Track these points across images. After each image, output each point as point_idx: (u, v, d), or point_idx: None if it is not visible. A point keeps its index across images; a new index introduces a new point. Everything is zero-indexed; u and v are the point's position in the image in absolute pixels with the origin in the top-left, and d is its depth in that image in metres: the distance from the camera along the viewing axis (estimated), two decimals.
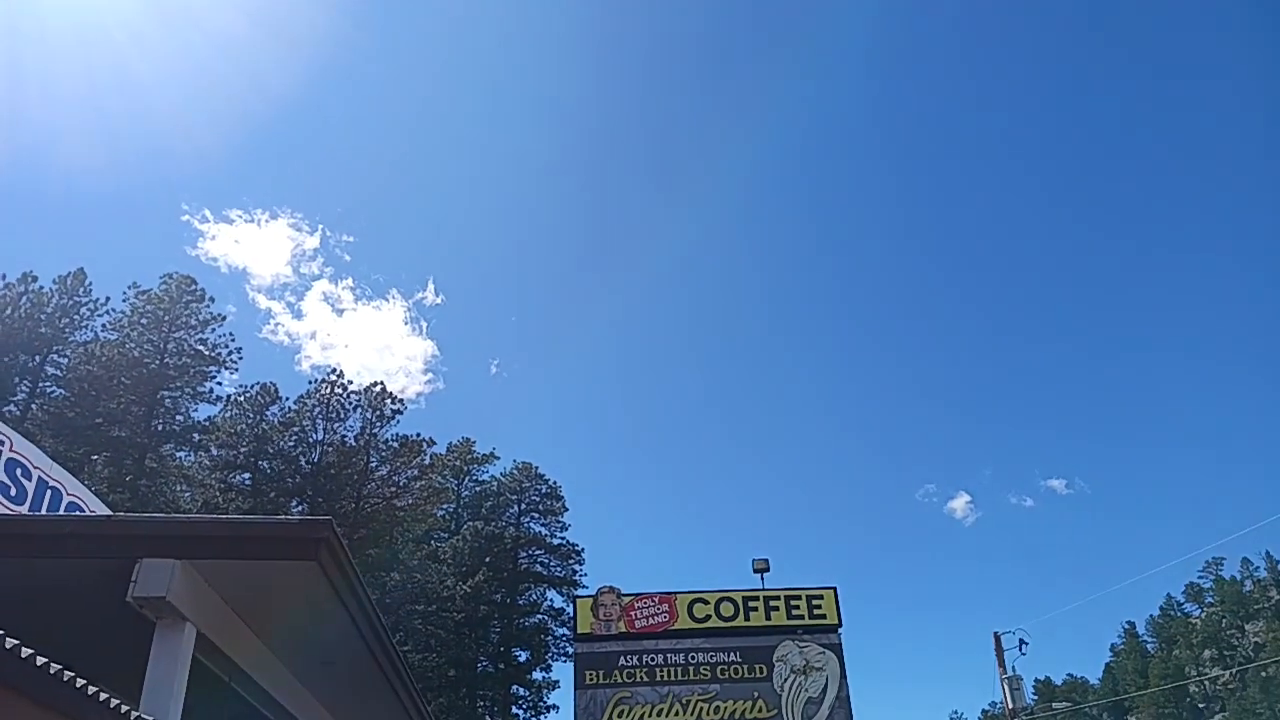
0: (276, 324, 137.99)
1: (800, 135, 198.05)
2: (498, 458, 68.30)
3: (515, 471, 66.01)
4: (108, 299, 47.97)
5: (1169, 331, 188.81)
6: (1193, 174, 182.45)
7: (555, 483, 65.80)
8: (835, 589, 24.52)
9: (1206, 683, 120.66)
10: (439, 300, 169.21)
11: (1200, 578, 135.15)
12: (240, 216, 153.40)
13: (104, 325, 47.50)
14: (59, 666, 5.47)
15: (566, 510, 65.13)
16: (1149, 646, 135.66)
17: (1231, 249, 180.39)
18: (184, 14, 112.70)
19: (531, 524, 64.88)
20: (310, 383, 67.44)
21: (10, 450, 13.26)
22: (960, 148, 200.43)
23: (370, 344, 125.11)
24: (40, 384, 45.37)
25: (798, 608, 24.23)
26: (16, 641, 5.01)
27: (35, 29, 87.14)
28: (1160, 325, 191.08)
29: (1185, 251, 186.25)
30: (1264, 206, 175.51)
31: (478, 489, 67.68)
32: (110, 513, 15.35)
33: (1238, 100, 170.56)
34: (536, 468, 65.80)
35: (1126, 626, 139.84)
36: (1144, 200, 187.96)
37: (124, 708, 5.98)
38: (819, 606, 24.23)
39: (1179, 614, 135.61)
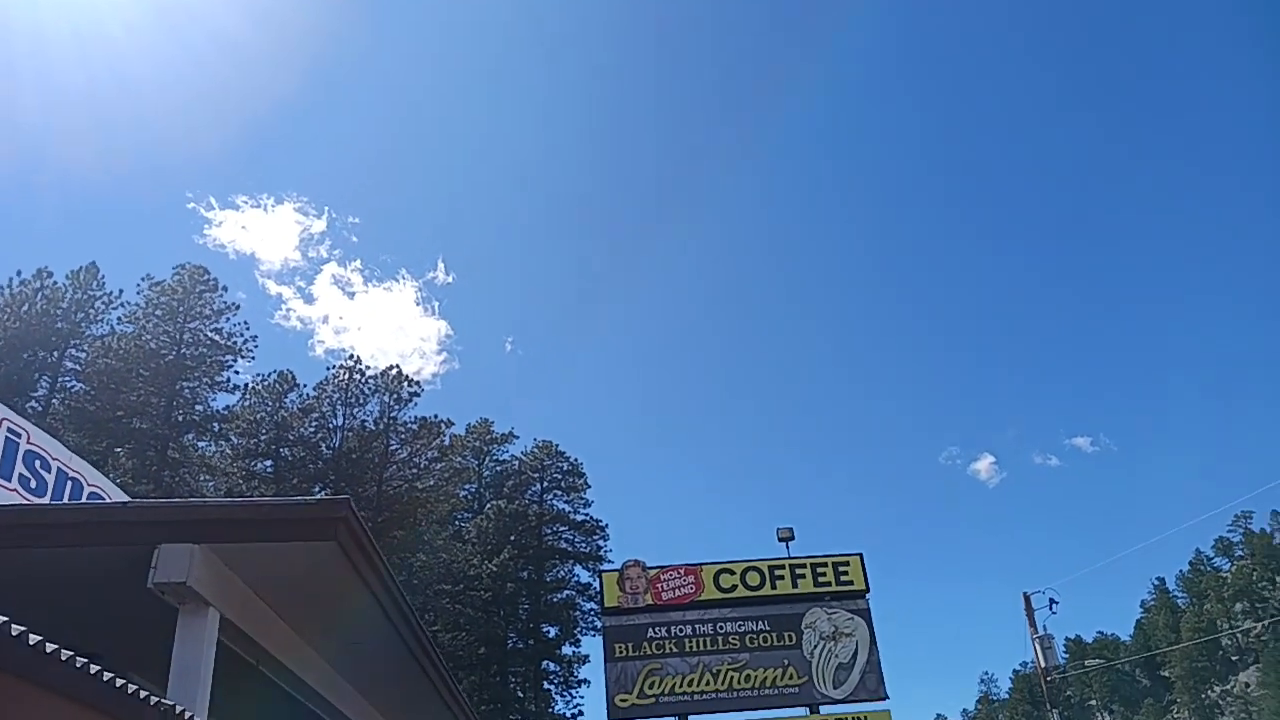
0: (288, 309, 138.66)
1: (822, 97, 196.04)
2: (517, 437, 68.49)
3: (536, 450, 66.13)
4: (121, 292, 48.12)
5: (1192, 287, 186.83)
6: (1208, 124, 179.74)
7: (576, 459, 65.99)
8: (861, 555, 24.31)
9: (1239, 635, 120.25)
10: (449, 279, 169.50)
11: (1229, 531, 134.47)
12: (246, 202, 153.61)
13: (119, 318, 47.69)
14: (82, 659, 5.34)
15: (589, 486, 65.33)
16: (1179, 601, 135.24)
17: (1256, 199, 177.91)
18: (184, 10, 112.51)
19: (554, 501, 65.07)
20: (328, 368, 67.67)
21: (28, 442, 13.19)
22: (978, 106, 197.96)
23: (383, 326, 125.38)
24: (60, 379, 45.60)
25: (824, 575, 24.05)
26: (40, 637, 4.86)
27: (32, 28, 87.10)
28: (1182, 281, 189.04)
29: (1206, 204, 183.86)
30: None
31: (499, 468, 67.86)
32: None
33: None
34: (557, 445, 65.97)
35: (1156, 582, 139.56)
36: (1164, 152, 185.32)
37: (151, 697, 5.85)
38: (845, 573, 24.05)
39: (1209, 568, 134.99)
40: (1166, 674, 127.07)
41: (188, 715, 6.18)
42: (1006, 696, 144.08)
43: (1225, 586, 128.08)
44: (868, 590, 23.91)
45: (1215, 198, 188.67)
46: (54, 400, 44.55)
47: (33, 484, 13.12)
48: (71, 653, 5.70)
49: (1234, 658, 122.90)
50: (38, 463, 13.26)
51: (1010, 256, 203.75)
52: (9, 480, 12.77)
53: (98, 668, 5.51)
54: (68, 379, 45.86)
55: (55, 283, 46.25)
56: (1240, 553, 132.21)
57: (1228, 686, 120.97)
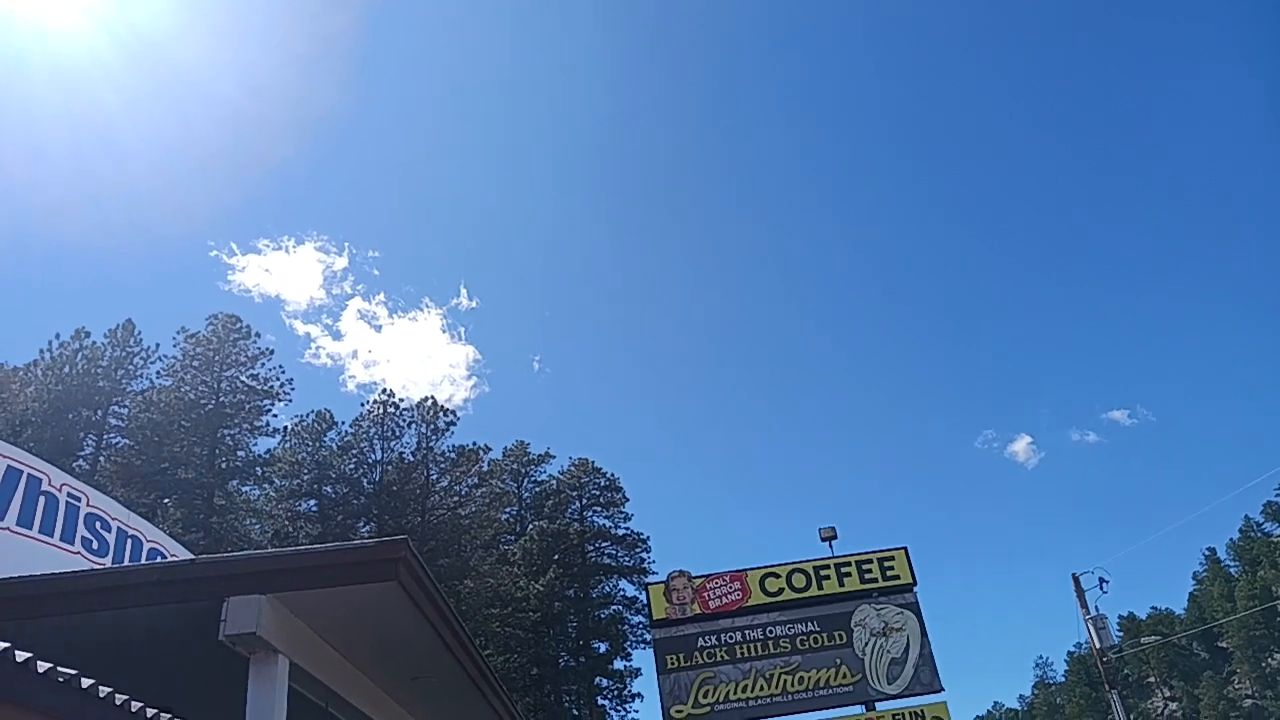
0: (317, 347, 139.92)
1: (827, 90, 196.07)
2: (554, 456, 68.85)
3: (573, 468, 66.48)
4: (158, 346, 49.12)
5: (1217, 253, 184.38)
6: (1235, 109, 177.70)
7: (613, 475, 66.27)
8: (906, 549, 24.37)
9: None
10: (473, 304, 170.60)
11: (1278, 496, 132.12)
12: (268, 245, 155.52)
13: (158, 372, 48.66)
14: (166, 714, 5.68)
15: (627, 500, 65.55)
16: (1232, 570, 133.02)
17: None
18: (176, 74, 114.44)
19: (595, 518, 65.38)
20: (362, 404, 68.42)
21: (88, 505, 13.69)
22: (995, 94, 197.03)
23: (412, 356, 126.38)
24: (105, 436, 46.58)
25: (870, 571, 24.11)
26: (126, 697, 5.21)
27: (23, 88, 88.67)
28: (1206, 246, 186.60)
29: (1236, 180, 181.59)
30: None
31: (538, 489, 68.26)
32: (190, 555, 15.79)
33: None
34: (593, 462, 66.28)
35: (1207, 553, 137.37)
36: (1190, 139, 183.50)
37: None
38: (891, 568, 24.09)
39: (1259, 534, 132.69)
40: (1224, 645, 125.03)
41: None
42: (1063, 680, 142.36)
43: (1278, 551, 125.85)
44: (915, 583, 23.95)
45: (1241, 174, 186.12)
46: (100, 458, 45.50)
47: (95, 545, 13.62)
48: (142, 703, 6.04)
49: None
50: (98, 524, 13.76)
51: (1029, 235, 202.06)
52: (72, 544, 13.27)
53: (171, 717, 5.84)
54: (112, 436, 46.84)
55: (94, 342, 47.30)
56: None
57: None
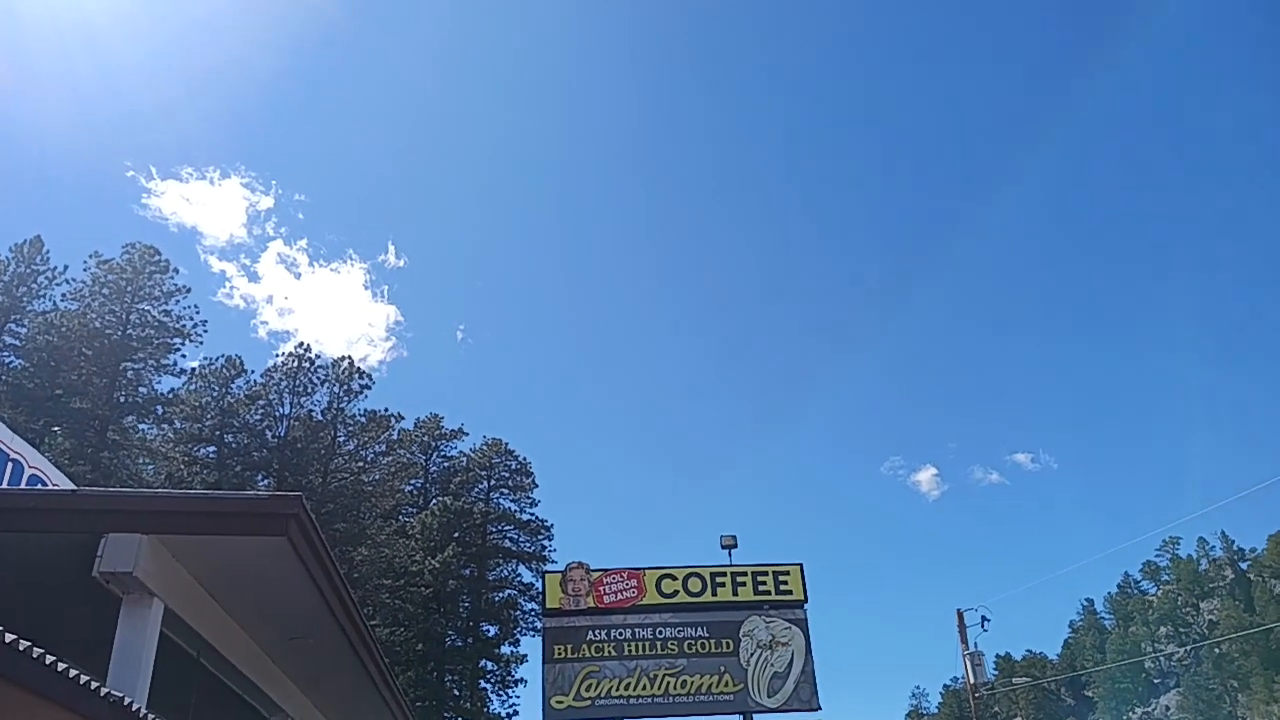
0: (231, 287, 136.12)
1: (776, 116, 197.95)
2: (466, 433, 68.10)
3: (485, 447, 65.90)
4: (66, 268, 47.13)
5: (1132, 312, 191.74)
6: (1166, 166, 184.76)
7: (525, 459, 65.87)
8: (801, 565, 24.73)
9: (1162, 659, 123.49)
10: (400, 263, 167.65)
11: (1157, 556, 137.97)
12: (191, 174, 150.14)
13: (63, 295, 46.68)
14: (24, 641, 5.39)
15: (536, 486, 65.25)
16: (1106, 623, 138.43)
17: (1195, 244, 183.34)
18: None
19: (501, 499, 64.91)
20: (273, 353, 66.65)
21: None
22: (933, 139, 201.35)
23: (330, 308, 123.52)
24: None
25: (764, 583, 24.42)
26: None
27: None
28: (1123, 307, 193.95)
29: (1148, 247, 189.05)
30: (1230, 203, 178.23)
31: (446, 464, 67.46)
32: (74, 486, 15.17)
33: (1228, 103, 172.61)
34: (506, 444, 65.81)
35: (1085, 603, 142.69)
36: (1109, 199, 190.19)
37: (91, 683, 5.91)
38: (785, 582, 24.44)
39: (1136, 591, 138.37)
40: (1090, 694, 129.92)
41: (132, 705, 6.25)
42: (936, 711, 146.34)
43: (1151, 610, 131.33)
44: (806, 600, 24.33)
45: (1152, 242, 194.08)
46: None
47: None
48: (15, 637, 5.74)
49: (1156, 680, 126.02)
50: None
51: (960, 289, 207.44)
52: None
53: (40, 651, 5.57)
54: (6, 354, 44.81)
55: None
56: (1167, 577, 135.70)
57: (1149, 709, 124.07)
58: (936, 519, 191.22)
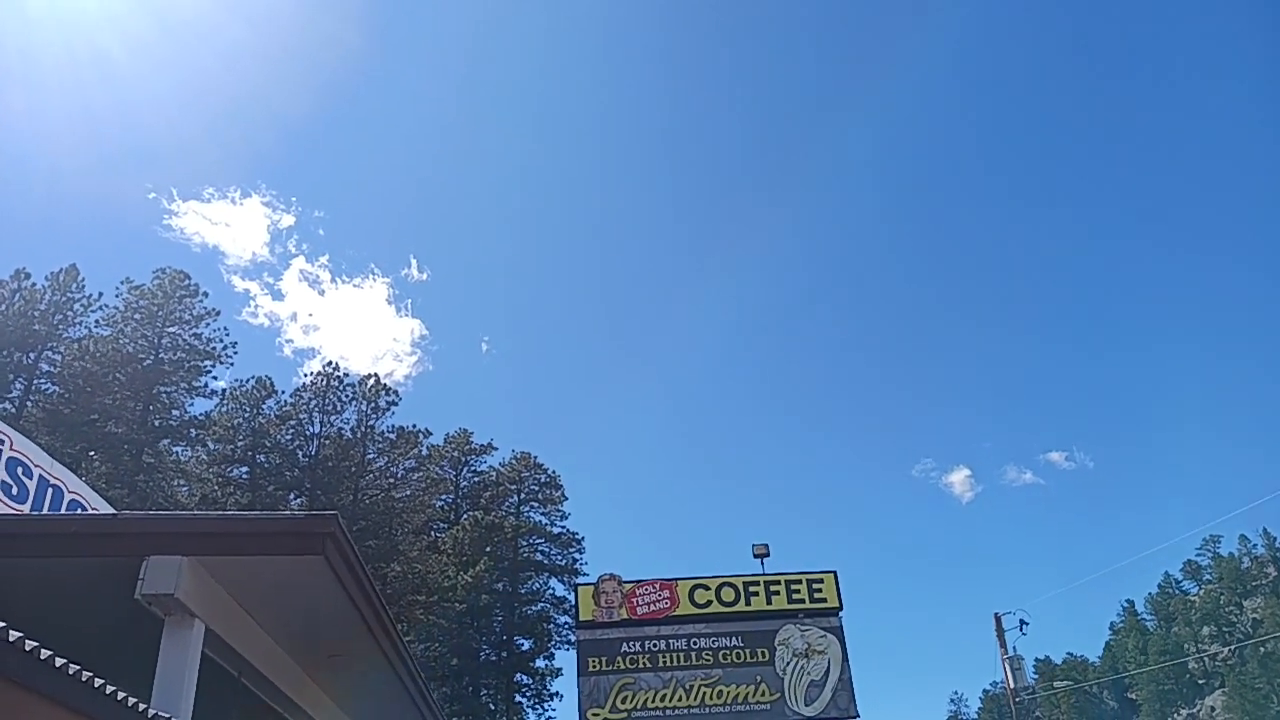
0: (256, 306, 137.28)
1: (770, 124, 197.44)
2: (496, 448, 68.27)
3: (514, 461, 66.06)
4: (100, 294, 47.79)
5: (1171, 311, 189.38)
6: (1191, 154, 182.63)
7: (554, 472, 65.96)
8: (835, 573, 24.60)
9: (1205, 659, 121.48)
10: (423, 277, 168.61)
11: (1198, 555, 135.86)
12: (213, 194, 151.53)
13: (97, 321, 47.37)
14: (75, 664, 5.49)
15: (566, 499, 65.29)
16: (1148, 624, 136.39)
17: (1231, 236, 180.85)
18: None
19: (531, 513, 65.00)
20: (301, 372, 67.29)
21: (11, 449, 13.23)
22: (945, 148, 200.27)
23: (354, 324, 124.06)
24: (35, 381, 45.24)
25: (798, 592, 24.31)
26: (35, 643, 5.01)
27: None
28: (1162, 305, 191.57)
29: (1185, 236, 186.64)
30: (1259, 195, 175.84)
31: (476, 479, 67.65)
32: (113, 510, 15.38)
33: (1231, 97, 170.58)
34: (535, 457, 65.94)
35: (1126, 605, 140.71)
36: (1138, 190, 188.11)
37: (139, 705, 6.00)
38: (819, 590, 24.32)
39: (1177, 592, 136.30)
40: (1134, 696, 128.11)
41: None
42: (976, 717, 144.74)
43: (1193, 610, 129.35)
44: (841, 608, 24.19)
45: (1188, 230, 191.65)
46: (28, 403, 44.19)
47: (14, 490, 13.16)
48: (65, 660, 5.84)
49: (1200, 681, 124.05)
50: (20, 469, 13.29)
51: (991, 286, 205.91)
52: None
53: (89, 674, 5.66)
54: (42, 382, 45.51)
55: (34, 284, 45.94)
56: (1208, 576, 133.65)
57: (1193, 710, 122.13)
58: (971, 521, 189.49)
